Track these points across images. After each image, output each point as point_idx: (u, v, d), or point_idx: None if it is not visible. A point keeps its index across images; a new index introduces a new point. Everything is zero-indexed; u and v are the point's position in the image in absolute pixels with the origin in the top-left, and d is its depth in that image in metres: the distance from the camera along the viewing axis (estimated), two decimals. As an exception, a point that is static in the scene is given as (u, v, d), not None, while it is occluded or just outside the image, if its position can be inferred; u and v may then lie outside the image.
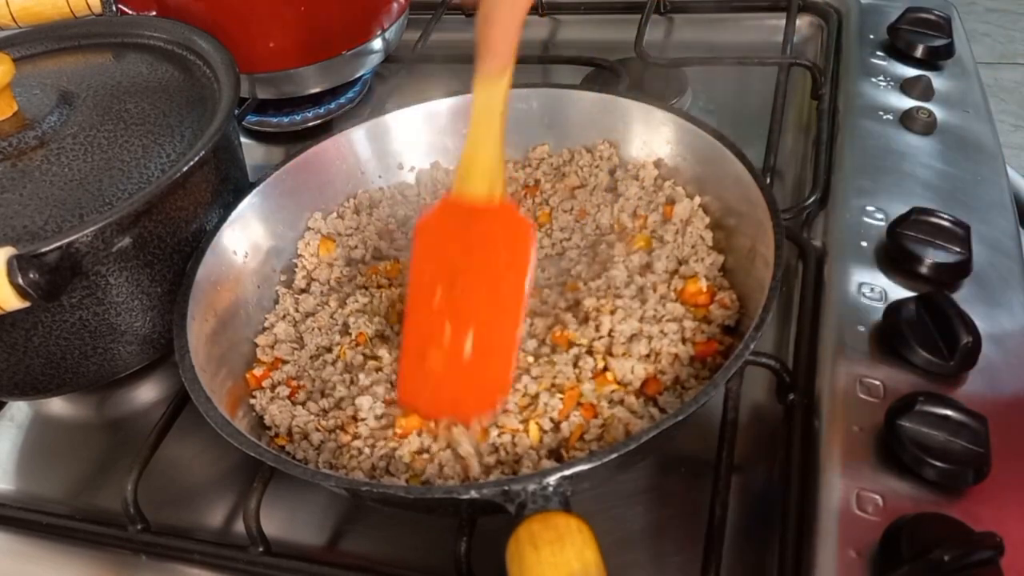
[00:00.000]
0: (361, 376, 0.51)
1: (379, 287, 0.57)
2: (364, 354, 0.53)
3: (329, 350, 0.54)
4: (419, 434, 0.47)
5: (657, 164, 0.59)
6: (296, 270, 0.60)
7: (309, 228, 0.61)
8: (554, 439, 0.46)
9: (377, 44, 0.80)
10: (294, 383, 0.53)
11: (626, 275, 0.53)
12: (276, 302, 0.58)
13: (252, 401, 0.52)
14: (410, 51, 0.84)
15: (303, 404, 0.52)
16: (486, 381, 0.47)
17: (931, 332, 0.48)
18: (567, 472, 0.38)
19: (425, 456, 0.46)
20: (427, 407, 0.48)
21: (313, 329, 0.55)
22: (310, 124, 0.82)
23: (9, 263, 0.43)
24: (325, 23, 0.75)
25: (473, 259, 0.48)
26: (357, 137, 0.62)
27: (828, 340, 0.51)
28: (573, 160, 0.62)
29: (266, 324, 0.57)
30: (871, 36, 0.74)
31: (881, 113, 0.66)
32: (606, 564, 0.35)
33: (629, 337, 0.49)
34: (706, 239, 0.55)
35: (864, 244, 0.55)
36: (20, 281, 0.43)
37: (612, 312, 0.50)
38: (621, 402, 0.47)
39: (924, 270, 0.53)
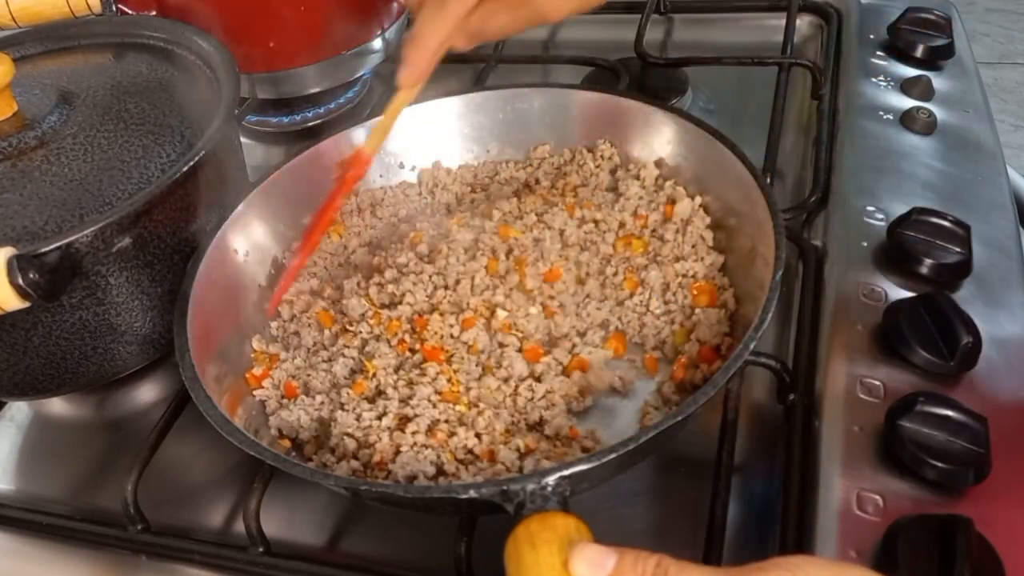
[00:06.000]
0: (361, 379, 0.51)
1: (381, 304, 0.57)
2: (359, 352, 0.53)
3: (329, 347, 0.54)
4: None
5: (658, 164, 0.59)
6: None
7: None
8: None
9: (377, 44, 0.79)
10: (293, 382, 0.53)
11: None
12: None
13: (253, 396, 0.52)
14: (410, 51, 0.84)
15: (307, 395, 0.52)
16: None
17: (931, 332, 0.48)
18: (565, 472, 0.38)
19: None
20: None
21: (313, 325, 0.55)
22: (310, 124, 0.82)
23: (9, 263, 0.43)
24: (325, 23, 0.75)
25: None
26: (357, 137, 0.62)
27: (828, 340, 0.51)
28: (574, 160, 0.62)
29: (267, 324, 0.56)
30: (871, 36, 0.74)
31: (881, 113, 0.66)
32: (606, 564, 0.35)
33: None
34: (706, 239, 0.55)
35: (864, 244, 0.55)
36: (20, 281, 0.43)
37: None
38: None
39: (924, 270, 0.53)
